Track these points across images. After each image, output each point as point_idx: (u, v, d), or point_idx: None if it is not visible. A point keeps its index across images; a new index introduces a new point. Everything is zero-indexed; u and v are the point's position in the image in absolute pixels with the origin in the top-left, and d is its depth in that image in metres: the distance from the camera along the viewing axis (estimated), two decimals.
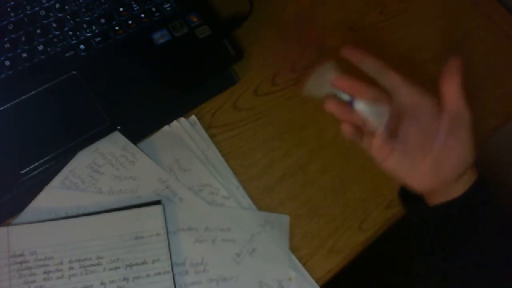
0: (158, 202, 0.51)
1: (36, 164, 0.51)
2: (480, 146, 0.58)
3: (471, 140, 0.44)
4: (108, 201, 0.51)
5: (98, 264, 0.48)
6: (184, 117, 0.56)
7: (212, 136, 0.56)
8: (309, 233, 0.53)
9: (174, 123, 0.55)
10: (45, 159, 0.52)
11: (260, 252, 0.51)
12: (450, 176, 0.44)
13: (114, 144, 0.53)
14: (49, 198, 0.51)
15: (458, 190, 0.45)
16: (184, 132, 0.55)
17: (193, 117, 0.56)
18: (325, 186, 0.55)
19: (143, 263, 0.49)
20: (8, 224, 0.49)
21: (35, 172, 0.51)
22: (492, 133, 0.58)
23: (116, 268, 0.48)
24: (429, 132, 0.44)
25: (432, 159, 0.43)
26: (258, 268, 0.50)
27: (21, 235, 0.48)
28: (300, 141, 0.56)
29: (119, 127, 0.54)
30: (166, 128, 0.55)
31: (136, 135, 0.54)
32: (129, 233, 0.49)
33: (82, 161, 0.52)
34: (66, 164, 0.52)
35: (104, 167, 0.53)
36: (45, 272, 0.47)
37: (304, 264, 0.51)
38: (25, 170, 0.51)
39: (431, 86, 0.60)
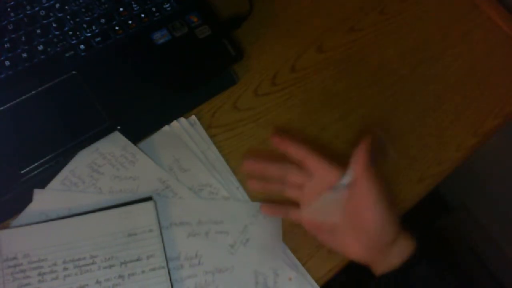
0: (149, 199, 0.51)
1: (36, 164, 0.51)
2: (480, 147, 0.58)
3: (374, 206, 0.46)
4: (108, 201, 0.51)
5: (93, 263, 0.48)
6: (184, 117, 0.56)
7: (212, 136, 0.56)
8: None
9: (174, 123, 0.55)
10: (45, 159, 0.52)
11: (254, 242, 0.51)
12: (373, 243, 0.47)
13: (114, 144, 0.53)
14: (49, 198, 0.51)
15: (394, 260, 0.47)
16: (184, 132, 0.55)
17: (193, 117, 0.56)
18: None
19: (137, 260, 0.49)
20: (8, 225, 0.49)
21: (35, 172, 0.51)
22: (492, 133, 0.58)
23: (111, 266, 0.48)
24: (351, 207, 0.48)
25: (351, 230, 0.47)
26: (253, 258, 0.51)
27: (12, 238, 0.48)
28: (300, 141, 0.56)
29: (119, 127, 0.54)
30: (166, 128, 0.55)
31: (136, 135, 0.54)
32: (121, 231, 0.49)
33: (82, 161, 0.52)
34: (66, 164, 0.52)
35: (104, 167, 0.53)
36: (39, 274, 0.47)
37: (304, 264, 0.51)
38: (25, 170, 0.51)
39: (432, 87, 0.60)
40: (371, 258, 0.48)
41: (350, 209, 0.47)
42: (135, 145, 0.54)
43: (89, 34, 0.57)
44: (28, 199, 0.50)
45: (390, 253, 0.47)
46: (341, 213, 0.48)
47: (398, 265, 0.46)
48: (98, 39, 0.57)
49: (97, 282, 0.48)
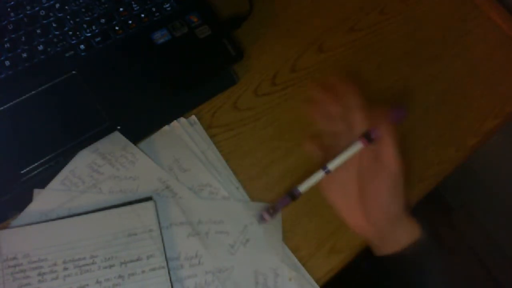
0: (149, 199, 0.51)
1: (36, 164, 0.51)
2: (480, 147, 0.58)
3: (395, 196, 0.47)
4: (108, 201, 0.51)
5: (93, 263, 0.48)
6: (184, 117, 0.56)
7: (212, 136, 0.56)
8: (309, 233, 0.53)
9: (174, 123, 0.55)
10: (45, 159, 0.52)
11: (254, 242, 0.51)
12: (379, 222, 0.47)
13: (114, 144, 0.53)
14: (49, 198, 0.51)
15: (402, 240, 0.47)
16: (184, 132, 0.55)
17: (193, 117, 0.56)
18: None
19: (137, 260, 0.49)
20: (8, 225, 0.49)
21: (35, 172, 0.51)
22: (492, 133, 0.58)
23: (111, 266, 0.48)
24: (366, 174, 0.48)
25: (361, 199, 0.48)
26: (253, 258, 0.51)
27: (12, 238, 0.48)
28: (300, 141, 0.56)
29: (119, 127, 0.54)
30: (166, 128, 0.55)
31: (136, 135, 0.54)
32: (122, 231, 0.49)
33: (82, 161, 0.52)
34: (66, 164, 0.52)
35: (104, 167, 0.52)
36: (39, 274, 0.47)
37: (304, 264, 0.51)
38: (25, 170, 0.51)
39: (432, 87, 0.60)
40: (375, 233, 0.48)
41: (367, 173, 0.48)
42: (135, 145, 0.54)
43: (89, 34, 0.57)
44: (28, 199, 0.50)
45: (396, 233, 0.47)
46: (357, 176, 0.48)
47: (407, 246, 0.46)
48: (98, 39, 0.57)
49: (97, 282, 0.47)
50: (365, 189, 0.48)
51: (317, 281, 0.51)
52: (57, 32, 0.57)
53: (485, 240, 1.06)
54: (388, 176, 0.46)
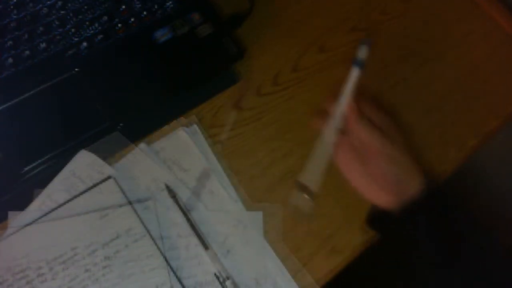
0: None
1: (36, 163, 0.51)
2: (481, 146, 0.58)
3: (380, 151, 0.48)
4: (108, 201, 0.51)
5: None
6: (185, 117, 0.56)
7: (212, 136, 0.55)
8: (310, 233, 0.53)
9: (174, 122, 0.55)
10: (45, 158, 0.52)
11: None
12: (396, 186, 0.48)
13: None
14: (49, 198, 0.50)
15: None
16: (184, 132, 0.55)
17: (194, 116, 0.56)
18: (326, 186, 0.54)
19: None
20: (8, 225, 0.49)
21: (35, 171, 0.51)
22: (492, 134, 0.58)
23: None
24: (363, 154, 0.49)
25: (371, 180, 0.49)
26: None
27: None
28: (302, 141, 0.56)
29: (119, 127, 0.54)
30: (166, 128, 0.55)
31: (136, 134, 0.54)
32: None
33: (82, 161, 0.52)
34: (66, 164, 0.52)
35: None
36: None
37: (304, 265, 0.51)
38: (25, 170, 0.51)
39: (433, 87, 0.60)
40: (402, 201, 0.48)
41: (363, 160, 0.49)
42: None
43: (90, 33, 0.57)
44: (28, 199, 0.50)
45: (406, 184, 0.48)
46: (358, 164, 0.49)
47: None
48: (99, 38, 0.57)
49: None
50: (370, 172, 0.48)
51: (317, 282, 0.51)
52: (58, 31, 0.57)
53: (485, 240, 1.06)
54: (379, 150, 0.48)
